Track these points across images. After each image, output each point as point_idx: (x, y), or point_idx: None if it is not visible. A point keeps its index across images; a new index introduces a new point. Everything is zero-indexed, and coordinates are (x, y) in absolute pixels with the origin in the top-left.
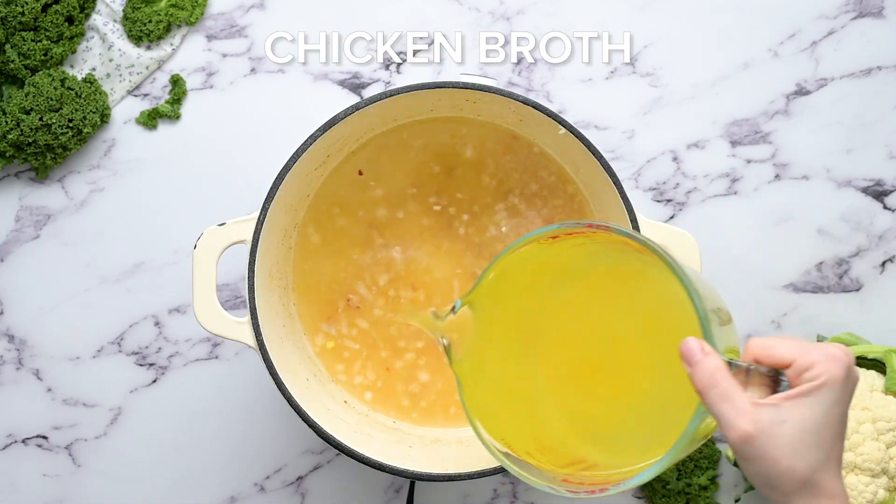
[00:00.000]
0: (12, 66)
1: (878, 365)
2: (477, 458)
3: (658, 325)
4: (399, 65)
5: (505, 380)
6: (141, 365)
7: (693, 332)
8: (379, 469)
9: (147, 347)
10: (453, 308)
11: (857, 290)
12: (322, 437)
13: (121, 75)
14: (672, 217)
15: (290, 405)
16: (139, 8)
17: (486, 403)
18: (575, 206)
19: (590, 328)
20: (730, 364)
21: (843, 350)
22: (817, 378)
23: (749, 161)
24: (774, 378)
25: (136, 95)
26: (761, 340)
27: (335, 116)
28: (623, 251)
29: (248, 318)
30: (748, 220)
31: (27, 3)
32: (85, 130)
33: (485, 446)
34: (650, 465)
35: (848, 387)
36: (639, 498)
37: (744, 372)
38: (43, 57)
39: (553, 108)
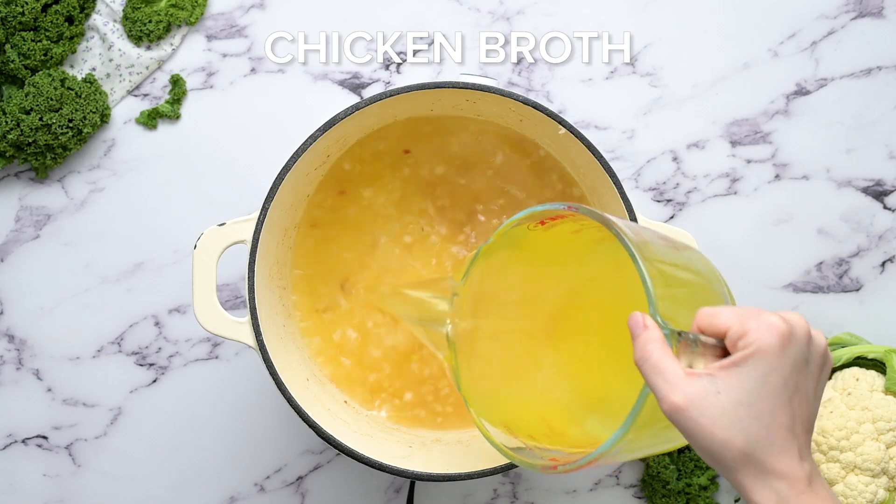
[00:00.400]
0: (12, 66)
1: (878, 365)
2: (477, 458)
3: (635, 300)
4: (399, 65)
5: (504, 361)
6: (141, 365)
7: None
8: (379, 469)
9: (147, 347)
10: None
11: (857, 290)
12: (322, 437)
13: (121, 75)
14: (672, 217)
15: (290, 405)
16: (139, 8)
17: (484, 388)
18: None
19: (581, 307)
20: (679, 335)
21: (785, 318)
22: (748, 346)
23: (749, 161)
24: (724, 348)
25: (136, 95)
26: (707, 310)
27: (335, 116)
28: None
29: (248, 318)
30: (748, 220)
31: (27, 3)
32: (85, 130)
33: (477, 426)
34: (606, 441)
35: (786, 356)
36: (639, 498)
37: (690, 343)
38: (43, 57)
39: (553, 108)
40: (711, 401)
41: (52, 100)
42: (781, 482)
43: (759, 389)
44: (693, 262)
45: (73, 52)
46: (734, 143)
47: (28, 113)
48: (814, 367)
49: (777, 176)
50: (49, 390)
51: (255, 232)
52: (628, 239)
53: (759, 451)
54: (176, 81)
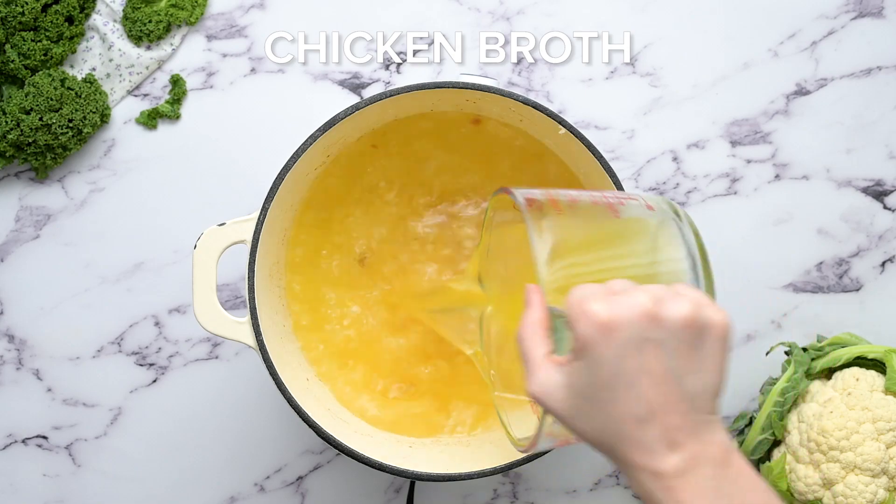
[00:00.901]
0: (12, 66)
1: (878, 365)
2: (477, 458)
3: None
4: (399, 65)
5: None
6: (141, 365)
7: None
8: (379, 469)
9: (147, 347)
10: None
11: (857, 290)
12: (322, 437)
13: (121, 75)
14: None
15: (290, 405)
16: (139, 8)
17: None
18: None
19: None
20: (556, 315)
21: (604, 303)
22: (577, 339)
23: (749, 161)
24: None
25: (136, 95)
26: (577, 289)
27: (335, 116)
28: None
29: (248, 318)
30: (748, 220)
31: (27, 3)
32: (85, 130)
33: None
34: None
35: (613, 344)
36: (639, 498)
37: (560, 325)
38: (43, 57)
39: (553, 108)
40: (561, 392)
41: (52, 100)
42: (642, 474)
43: (593, 383)
44: (630, 231)
45: (73, 52)
46: (734, 143)
47: (28, 113)
48: (673, 342)
49: (777, 176)
50: (49, 390)
51: (255, 232)
52: (527, 212)
53: (613, 442)
54: (176, 81)
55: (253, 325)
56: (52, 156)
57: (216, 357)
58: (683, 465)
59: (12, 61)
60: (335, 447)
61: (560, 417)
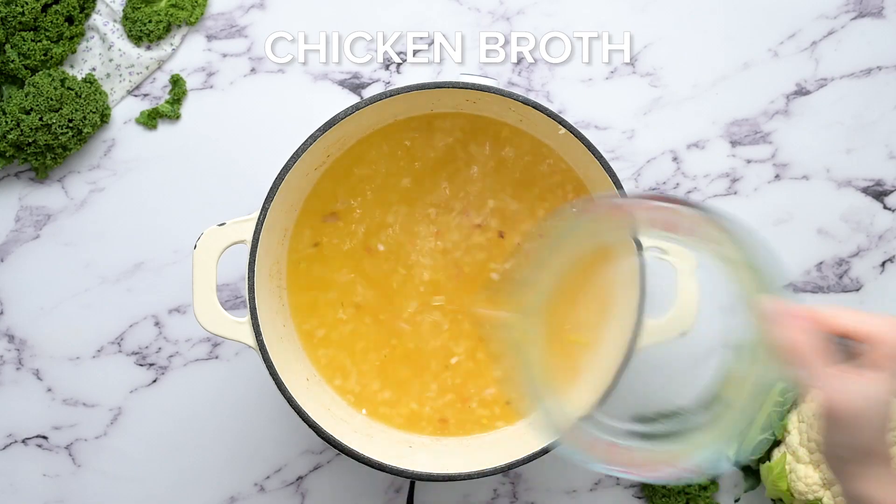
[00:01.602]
0: (12, 66)
1: None
2: (477, 458)
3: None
4: (399, 65)
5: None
6: (141, 365)
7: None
8: (379, 469)
9: (147, 347)
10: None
11: (857, 290)
12: (322, 437)
13: (121, 75)
14: None
15: (290, 405)
16: (139, 8)
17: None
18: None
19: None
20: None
21: None
22: None
23: (749, 161)
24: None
25: (136, 95)
26: (846, 313)
27: (335, 116)
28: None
29: (248, 318)
30: (748, 220)
31: (27, 3)
32: (85, 130)
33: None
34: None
35: None
36: (639, 498)
37: (837, 344)
38: (43, 57)
39: (553, 108)
40: (880, 400)
41: (52, 100)
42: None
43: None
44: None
45: (73, 52)
46: (734, 143)
47: (28, 113)
48: None
49: (777, 176)
50: (49, 390)
51: (255, 232)
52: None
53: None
54: (176, 81)
55: (253, 325)
56: (52, 156)
57: (216, 357)
58: None
59: (12, 61)
60: (335, 447)
61: (868, 422)
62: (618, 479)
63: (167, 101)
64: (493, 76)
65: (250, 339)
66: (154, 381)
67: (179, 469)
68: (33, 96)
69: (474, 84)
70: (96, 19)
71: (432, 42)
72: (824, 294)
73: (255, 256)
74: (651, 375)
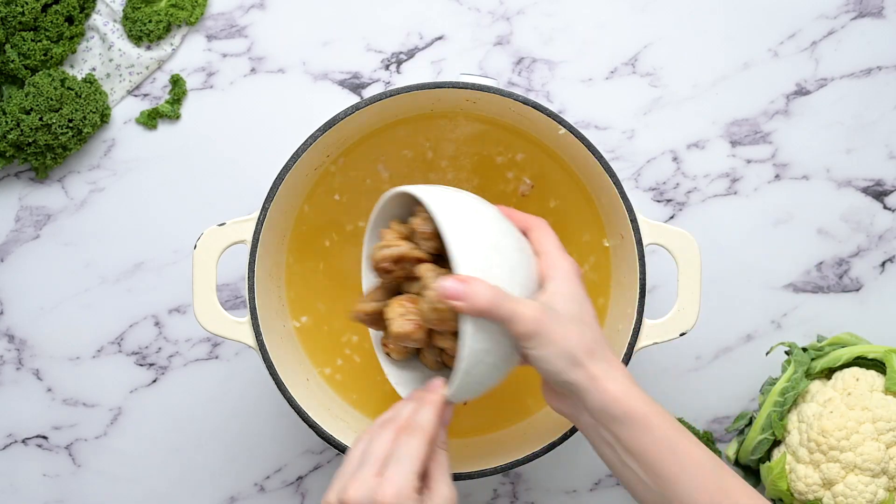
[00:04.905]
0: (12, 66)
1: (878, 365)
2: (477, 458)
3: None
4: (399, 65)
5: None
6: (141, 365)
7: None
8: None
9: (147, 347)
10: None
11: (857, 290)
12: (322, 437)
13: (121, 75)
14: (672, 217)
15: (290, 405)
16: (139, 8)
17: None
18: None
19: None
20: None
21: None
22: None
23: (749, 161)
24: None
25: (136, 95)
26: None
27: (335, 116)
28: None
29: (248, 318)
30: (748, 220)
31: (27, 3)
32: (85, 130)
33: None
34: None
35: (580, 283)
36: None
37: None
38: (43, 57)
39: (553, 108)
40: (555, 315)
41: (52, 100)
42: (618, 369)
43: (578, 306)
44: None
45: (73, 52)
46: (734, 143)
47: (28, 113)
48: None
49: (777, 176)
50: (49, 390)
51: (255, 232)
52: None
53: (595, 346)
54: (176, 81)
55: (253, 325)
56: (52, 156)
57: (216, 357)
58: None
59: (12, 61)
60: (335, 447)
61: (555, 333)
62: (618, 480)
63: (167, 101)
64: (493, 76)
65: (250, 339)
66: (154, 381)
67: (179, 469)
68: (33, 96)
69: (474, 84)
70: (96, 19)
71: (432, 42)
72: (824, 294)
73: (255, 256)
74: (651, 375)
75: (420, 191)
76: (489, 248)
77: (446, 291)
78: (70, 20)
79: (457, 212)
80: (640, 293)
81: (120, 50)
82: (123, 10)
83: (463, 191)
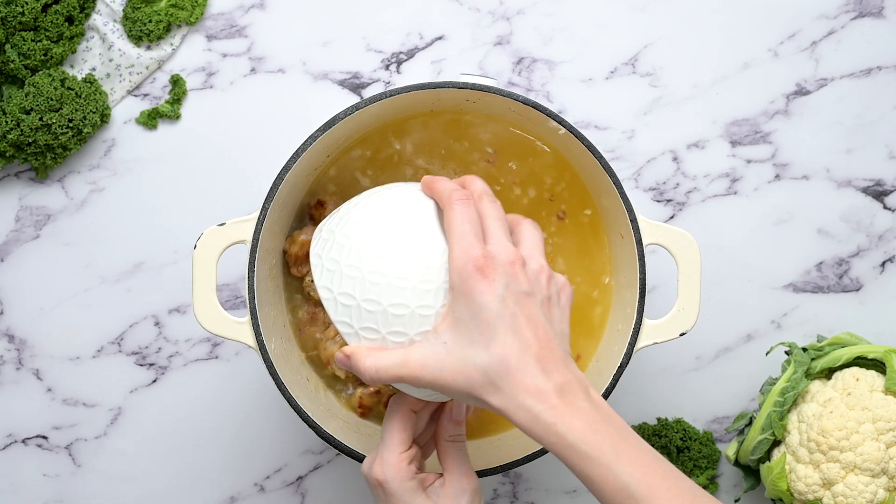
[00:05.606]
0: (12, 66)
1: (878, 365)
2: (477, 458)
3: None
4: (399, 65)
5: None
6: (141, 365)
7: None
8: None
9: (147, 347)
10: None
11: (857, 290)
12: (322, 437)
13: (121, 75)
14: (672, 217)
15: (290, 405)
16: (139, 8)
17: None
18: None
19: None
20: None
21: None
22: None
23: (749, 161)
24: None
25: (136, 95)
26: None
27: (335, 116)
28: None
29: (248, 318)
30: (748, 220)
31: (27, 3)
32: (85, 130)
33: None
34: None
35: (491, 292)
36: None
37: None
38: (43, 57)
39: (553, 108)
40: (435, 357)
41: (52, 100)
42: (530, 398)
43: (474, 326)
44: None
45: (73, 52)
46: (734, 143)
47: (28, 113)
48: (541, 295)
49: (777, 176)
50: (49, 390)
51: (255, 232)
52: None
53: (491, 375)
54: (176, 81)
55: (253, 325)
56: (52, 156)
57: (216, 357)
58: (560, 387)
59: (12, 61)
60: (335, 447)
61: (439, 378)
62: None
63: (167, 101)
64: (493, 76)
65: (250, 339)
66: (154, 381)
67: (179, 469)
68: (33, 96)
69: (474, 84)
70: (96, 19)
71: (432, 42)
72: (824, 294)
73: (255, 256)
74: (651, 375)
75: (316, 247)
76: (370, 303)
77: (340, 364)
78: (70, 20)
79: (341, 275)
80: (640, 293)
81: (120, 50)
82: (123, 10)
83: (393, 194)
